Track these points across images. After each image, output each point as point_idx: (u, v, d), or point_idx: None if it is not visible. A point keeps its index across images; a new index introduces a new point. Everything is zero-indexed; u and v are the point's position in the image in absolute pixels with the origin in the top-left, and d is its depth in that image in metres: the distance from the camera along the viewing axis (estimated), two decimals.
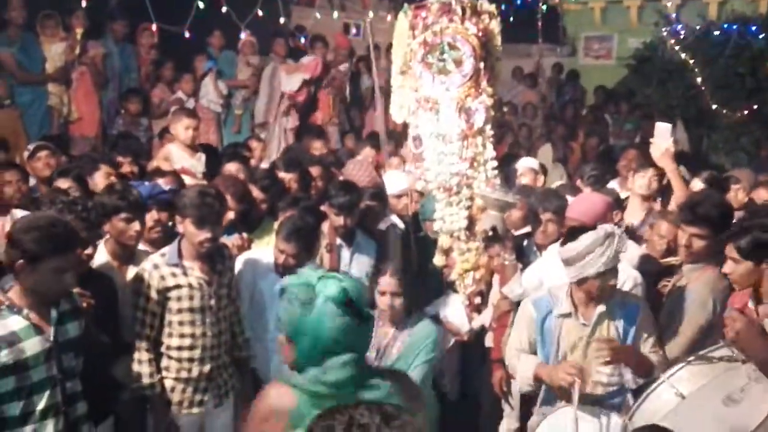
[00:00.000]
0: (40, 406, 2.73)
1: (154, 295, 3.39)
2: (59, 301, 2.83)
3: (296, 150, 6.54)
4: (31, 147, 5.32)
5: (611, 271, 3.15)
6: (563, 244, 3.25)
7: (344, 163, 5.95)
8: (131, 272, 3.57)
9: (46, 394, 2.75)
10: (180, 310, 3.43)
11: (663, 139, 4.32)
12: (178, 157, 5.48)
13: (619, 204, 4.81)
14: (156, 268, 3.42)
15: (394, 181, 5.31)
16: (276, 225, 4.09)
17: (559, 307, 3.31)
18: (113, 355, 3.38)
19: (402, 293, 3.48)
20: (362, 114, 9.76)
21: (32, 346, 2.71)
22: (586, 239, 3.13)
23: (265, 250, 4.08)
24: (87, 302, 3.03)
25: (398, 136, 7.77)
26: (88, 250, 3.10)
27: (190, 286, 3.43)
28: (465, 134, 4.55)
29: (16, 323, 2.70)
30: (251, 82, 8.62)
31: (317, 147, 6.90)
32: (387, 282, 3.50)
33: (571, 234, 3.25)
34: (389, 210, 5.04)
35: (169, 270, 3.42)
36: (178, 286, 3.42)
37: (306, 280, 2.09)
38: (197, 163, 5.55)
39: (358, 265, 4.35)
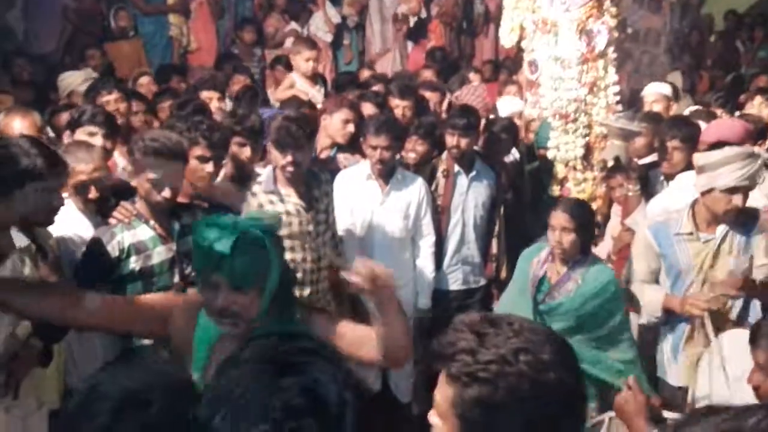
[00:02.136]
0: None
1: None
2: (181, 214, 2.95)
3: (408, 77, 6.44)
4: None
5: (741, 190, 2.98)
6: None
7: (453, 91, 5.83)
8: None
9: None
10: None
11: None
12: (301, 87, 5.56)
13: (762, 134, 4.47)
14: (254, 195, 3.46)
15: (505, 106, 5.16)
16: None
17: (679, 228, 3.18)
18: None
19: (574, 229, 3.20)
20: (473, 41, 9.49)
21: (158, 254, 2.86)
22: (728, 150, 2.98)
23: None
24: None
25: (512, 63, 7.55)
26: (210, 168, 3.18)
27: (287, 212, 3.44)
28: (585, 58, 4.35)
29: (144, 233, 2.86)
30: (356, 8, 8.50)
31: (428, 75, 6.78)
32: (555, 216, 3.24)
33: (713, 148, 3.08)
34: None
35: (266, 197, 3.45)
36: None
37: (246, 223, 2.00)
38: (317, 93, 5.61)
39: (474, 193, 4.26)
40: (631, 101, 5.33)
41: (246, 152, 3.59)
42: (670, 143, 4.01)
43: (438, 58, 7.74)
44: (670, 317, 3.24)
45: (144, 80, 5.39)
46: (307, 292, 3.56)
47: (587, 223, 3.29)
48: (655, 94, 5.43)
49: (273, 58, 7.24)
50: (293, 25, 8.17)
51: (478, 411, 1.21)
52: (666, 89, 5.57)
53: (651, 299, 3.23)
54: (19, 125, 3.63)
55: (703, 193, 3.09)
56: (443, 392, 1.25)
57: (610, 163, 4.32)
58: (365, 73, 6.91)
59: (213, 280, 1.94)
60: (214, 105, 4.71)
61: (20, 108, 4.00)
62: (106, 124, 3.54)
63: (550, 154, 4.59)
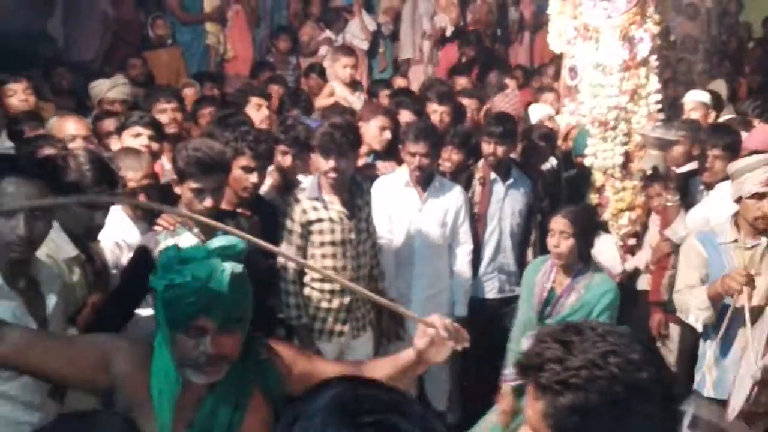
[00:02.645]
0: None
1: (297, 228, 3.46)
2: (225, 222, 2.96)
3: (445, 84, 6.44)
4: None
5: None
6: None
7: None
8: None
9: None
10: (322, 244, 3.49)
11: None
12: (341, 94, 5.60)
13: None
14: (297, 202, 3.48)
15: (536, 112, 5.13)
16: None
17: (724, 237, 3.18)
18: (272, 280, 3.51)
19: (572, 235, 3.21)
20: (507, 48, 9.46)
21: None
22: (753, 157, 3.02)
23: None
24: (255, 227, 3.15)
25: (543, 70, 7.50)
26: (254, 178, 3.21)
27: (331, 219, 3.47)
28: (627, 65, 4.30)
29: (187, 240, 2.87)
30: (391, 15, 8.52)
31: (462, 83, 6.77)
32: (555, 220, 3.27)
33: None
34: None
35: (310, 204, 3.47)
36: (319, 220, 3.47)
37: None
38: (357, 100, 5.64)
39: (511, 201, 4.24)
40: (671, 109, 5.27)
41: (287, 161, 3.62)
42: (710, 152, 3.96)
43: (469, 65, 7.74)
44: (710, 330, 3.20)
45: (189, 92, 5.44)
46: (347, 300, 3.57)
47: (587, 230, 3.29)
48: (693, 101, 5.37)
49: (307, 66, 7.30)
50: (327, 33, 8.21)
51: (573, 419, 1.19)
52: (705, 97, 5.50)
53: (698, 294, 3.19)
54: (72, 128, 3.71)
55: (736, 202, 3.11)
56: (534, 406, 1.24)
57: (649, 173, 4.27)
58: (399, 81, 6.92)
59: (198, 324, 1.69)
60: (263, 113, 4.75)
61: (73, 113, 4.08)
62: (152, 126, 3.59)
63: (587, 162, 4.55)
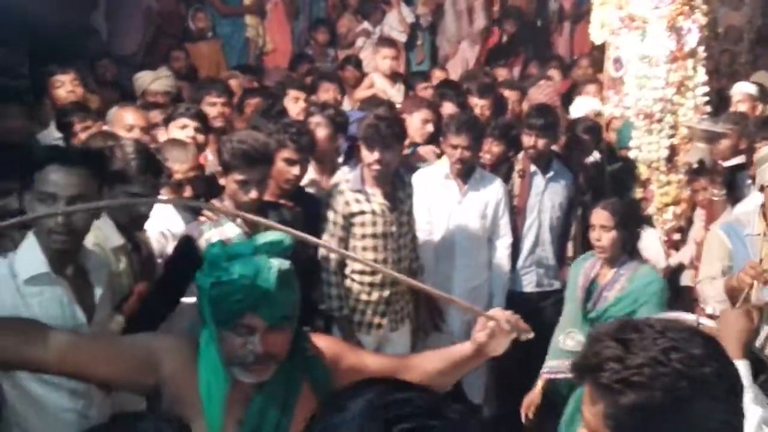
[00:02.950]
0: None
1: (339, 220, 3.47)
2: (267, 212, 2.99)
3: (488, 74, 6.39)
4: None
5: None
6: None
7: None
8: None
9: None
10: (363, 236, 3.49)
11: None
12: (380, 86, 5.58)
13: None
14: (340, 193, 3.49)
15: (581, 106, 5.05)
16: None
17: (752, 228, 3.10)
18: (313, 271, 3.53)
19: (614, 227, 3.20)
20: (547, 39, 9.34)
21: None
22: None
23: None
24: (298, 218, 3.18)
25: (581, 62, 7.39)
26: (296, 170, 3.22)
27: (373, 212, 3.48)
28: (674, 56, 4.21)
29: (230, 230, 2.92)
30: (430, 7, 8.47)
31: (502, 74, 6.71)
32: (596, 213, 3.27)
33: None
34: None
35: (352, 196, 3.48)
36: (362, 212, 3.47)
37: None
38: (397, 93, 5.62)
39: (551, 194, 4.20)
40: (717, 102, 5.15)
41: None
42: (758, 145, 3.86)
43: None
44: None
45: (233, 83, 5.47)
46: (386, 293, 3.57)
47: (630, 221, 3.25)
48: (741, 93, 5.25)
49: (343, 59, 7.29)
50: (365, 24, 8.20)
51: (635, 418, 1.16)
52: (752, 89, 5.37)
53: (716, 285, 3.14)
54: (131, 119, 3.77)
55: (759, 191, 3.05)
56: (592, 408, 1.21)
57: (695, 166, 4.18)
58: (437, 73, 6.88)
59: (245, 322, 1.67)
60: (300, 105, 4.76)
61: (132, 104, 4.14)
62: (198, 118, 3.63)
63: (632, 155, 4.47)
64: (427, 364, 1.93)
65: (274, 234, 1.78)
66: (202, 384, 1.74)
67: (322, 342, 1.92)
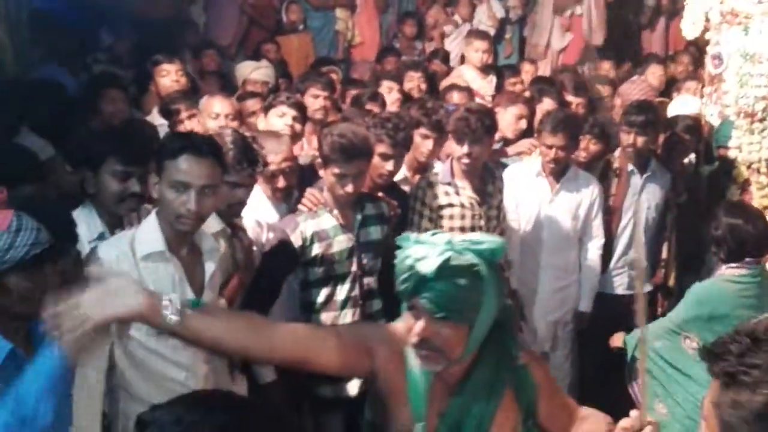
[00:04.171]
0: (341, 296, 3.04)
1: (427, 212, 3.48)
2: (365, 205, 3.05)
3: (577, 73, 6.26)
4: None
5: None
6: None
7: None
8: None
9: (347, 287, 3.03)
10: (451, 229, 3.47)
11: None
12: (471, 79, 5.57)
13: None
14: (430, 186, 3.50)
15: (681, 106, 4.88)
16: None
17: None
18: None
19: None
20: (641, 34, 9.06)
21: (338, 243, 2.99)
22: None
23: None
24: (394, 211, 3.22)
25: (678, 58, 7.14)
26: (391, 166, 3.26)
27: (462, 205, 3.48)
28: None
29: (326, 221, 2.99)
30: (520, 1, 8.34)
31: (605, 68, 6.54)
32: None
33: None
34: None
35: (442, 188, 3.48)
36: (450, 205, 3.48)
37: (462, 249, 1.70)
38: (488, 85, 5.60)
39: (647, 194, 4.09)
40: None
41: (428, 145, 3.65)
42: None
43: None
44: None
45: (334, 77, 5.57)
46: None
47: None
48: None
49: (430, 52, 7.29)
50: (455, 17, 8.16)
51: (735, 415, 1.17)
52: None
53: None
54: (219, 107, 3.90)
55: None
56: (708, 393, 1.23)
57: None
58: (527, 67, 6.79)
59: (414, 303, 1.70)
60: (393, 96, 4.81)
61: (222, 93, 4.27)
62: (297, 108, 3.71)
63: (731, 155, 4.31)
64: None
65: (490, 239, 1.75)
66: (409, 374, 1.79)
67: (536, 361, 1.94)
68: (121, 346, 2.31)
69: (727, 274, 3.08)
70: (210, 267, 2.44)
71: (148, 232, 2.32)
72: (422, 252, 1.66)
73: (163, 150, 2.33)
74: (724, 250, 3.09)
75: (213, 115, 3.87)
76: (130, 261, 2.28)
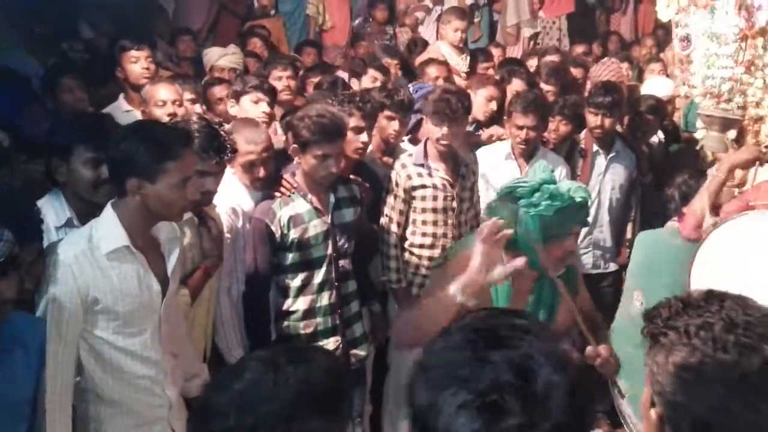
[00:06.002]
0: (318, 279, 3.06)
1: (401, 193, 3.51)
2: (337, 187, 3.06)
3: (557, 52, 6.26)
4: None
5: None
6: None
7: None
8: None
9: (323, 270, 3.05)
10: (424, 210, 3.53)
11: None
12: (447, 53, 5.57)
13: None
14: (403, 167, 3.52)
15: (655, 87, 4.94)
16: None
17: None
18: (372, 244, 3.59)
19: None
20: (609, 17, 9.14)
21: (314, 227, 3.01)
22: None
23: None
24: (366, 192, 3.24)
25: (643, 41, 7.23)
26: (364, 137, 3.27)
27: (434, 186, 3.51)
28: (744, 34, 4.08)
29: (300, 206, 3.00)
30: None
31: (579, 51, 6.57)
32: None
33: None
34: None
35: (415, 170, 3.51)
36: (423, 186, 3.51)
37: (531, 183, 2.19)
38: (461, 61, 5.60)
39: (612, 174, 4.17)
40: None
41: (394, 126, 3.66)
42: None
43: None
44: None
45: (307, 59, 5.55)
46: None
47: None
48: None
49: (410, 41, 7.21)
50: (425, 1, 8.15)
51: (658, 375, 1.21)
52: None
53: None
54: (164, 93, 3.82)
55: None
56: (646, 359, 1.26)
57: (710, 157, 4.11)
58: (495, 51, 6.81)
59: (575, 230, 2.25)
60: (377, 84, 4.78)
61: (167, 78, 4.19)
62: (270, 94, 3.70)
63: (698, 135, 4.39)
64: None
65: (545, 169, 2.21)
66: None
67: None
68: (87, 347, 2.28)
69: (670, 226, 3.15)
70: (172, 257, 2.41)
71: (109, 228, 2.27)
72: (579, 193, 2.19)
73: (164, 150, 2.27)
74: (673, 207, 3.16)
75: (159, 102, 3.79)
76: (89, 259, 2.23)
